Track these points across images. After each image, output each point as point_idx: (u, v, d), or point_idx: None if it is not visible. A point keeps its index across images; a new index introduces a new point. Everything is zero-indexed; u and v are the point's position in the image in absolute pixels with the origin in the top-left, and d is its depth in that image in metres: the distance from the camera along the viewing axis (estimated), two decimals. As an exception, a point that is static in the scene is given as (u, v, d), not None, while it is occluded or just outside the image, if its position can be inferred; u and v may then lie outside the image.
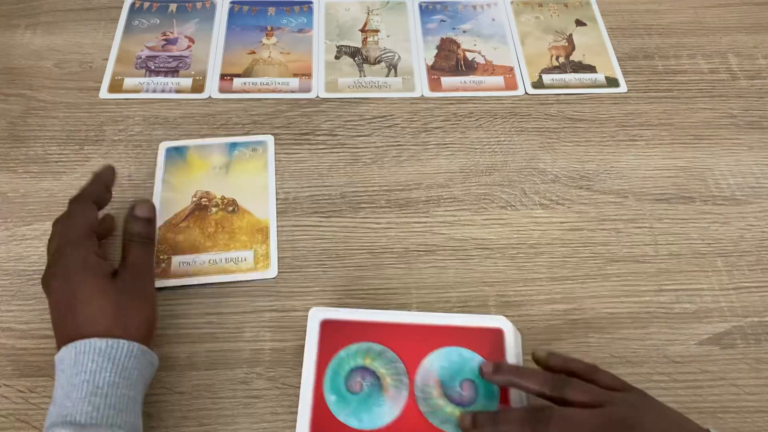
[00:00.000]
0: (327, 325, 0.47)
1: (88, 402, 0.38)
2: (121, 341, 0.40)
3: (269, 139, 0.61)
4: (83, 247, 0.44)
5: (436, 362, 0.46)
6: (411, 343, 0.46)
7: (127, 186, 0.57)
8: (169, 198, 0.56)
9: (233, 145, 0.60)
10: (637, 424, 0.39)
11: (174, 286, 0.52)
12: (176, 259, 0.53)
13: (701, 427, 0.40)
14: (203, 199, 0.56)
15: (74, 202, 0.48)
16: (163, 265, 0.52)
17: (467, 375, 0.45)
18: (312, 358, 0.46)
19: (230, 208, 0.55)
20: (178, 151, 0.59)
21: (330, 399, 0.44)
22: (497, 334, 0.47)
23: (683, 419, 0.40)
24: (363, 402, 0.44)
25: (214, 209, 0.55)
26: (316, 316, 0.47)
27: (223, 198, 0.56)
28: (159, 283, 0.51)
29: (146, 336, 0.43)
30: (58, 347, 0.41)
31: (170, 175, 0.58)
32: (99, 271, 0.43)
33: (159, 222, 0.54)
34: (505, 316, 0.47)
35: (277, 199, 0.57)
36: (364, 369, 0.46)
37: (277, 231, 0.55)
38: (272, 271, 0.53)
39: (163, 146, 0.60)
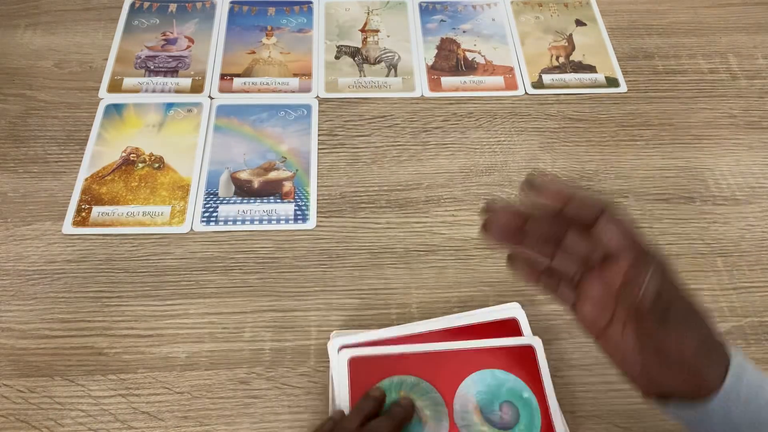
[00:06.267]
0: (356, 363, 0.45)
1: None
2: None
3: (205, 101, 0.63)
4: None
5: (472, 387, 0.45)
6: (444, 371, 0.45)
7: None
8: (100, 151, 0.60)
9: (169, 105, 0.63)
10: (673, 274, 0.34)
11: (91, 234, 0.54)
12: (97, 210, 0.56)
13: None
14: (132, 155, 0.59)
15: (384, 420, 0.43)
16: (83, 214, 0.55)
17: (505, 397, 0.44)
18: (344, 398, 0.44)
19: (156, 165, 0.58)
20: (117, 108, 0.62)
21: None
22: (529, 351, 0.46)
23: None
24: None
25: (140, 165, 0.58)
26: (341, 351, 0.45)
27: (151, 155, 0.59)
28: (77, 231, 0.54)
29: None
30: None
31: (105, 130, 0.61)
32: None
33: (86, 174, 0.58)
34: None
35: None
36: None
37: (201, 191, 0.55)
38: (186, 227, 0.55)
39: (103, 103, 0.63)
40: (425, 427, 0.43)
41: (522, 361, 0.46)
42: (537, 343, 0.46)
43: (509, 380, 0.45)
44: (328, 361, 0.46)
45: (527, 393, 0.44)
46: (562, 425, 0.43)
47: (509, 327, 0.47)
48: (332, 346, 0.46)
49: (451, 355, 0.45)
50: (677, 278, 0.35)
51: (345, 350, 0.45)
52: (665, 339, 0.33)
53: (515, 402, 0.44)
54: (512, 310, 0.48)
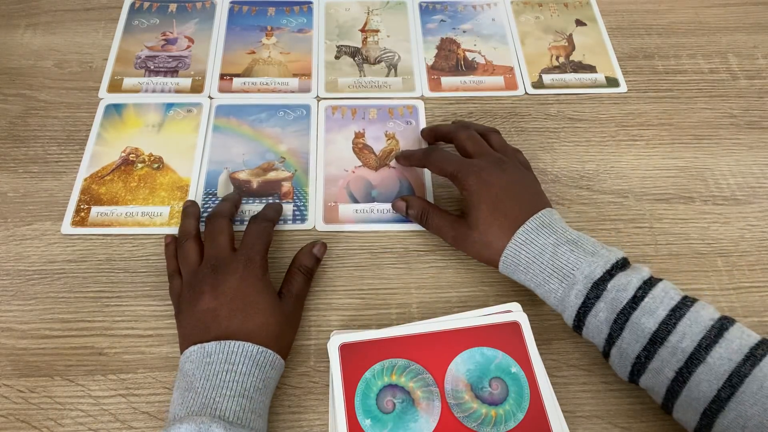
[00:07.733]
0: (346, 349, 0.46)
1: (236, 402, 0.41)
2: (269, 351, 0.44)
3: (204, 101, 0.63)
4: (266, 264, 0.48)
5: (461, 366, 0.45)
6: (433, 352, 0.46)
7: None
8: (100, 151, 0.60)
9: (169, 105, 0.63)
10: (500, 167, 0.50)
11: (91, 234, 0.54)
12: (95, 210, 0.56)
13: (545, 199, 0.50)
14: (131, 155, 0.59)
15: (263, 221, 0.51)
16: (82, 213, 0.55)
17: (494, 373, 0.45)
18: (339, 385, 0.45)
19: (155, 165, 0.58)
20: (117, 108, 0.62)
21: (365, 423, 0.43)
22: (515, 327, 0.47)
23: (537, 185, 0.51)
24: (398, 420, 0.43)
25: (140, 165, 0.58)
26: (332, 339, 0.46)
27: (150, 155, 0.59)
28: (75, 231, 0.54)
29: (286, 355, 0.47)
30: (206, 339, 0.43)
31: (104, 130, 0.61)
32: (274, 291, 0.47)
33: (85, 174, 0.58)
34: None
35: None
36: (393, 386, 0.45)
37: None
38: None
39: (103, 103, 0.63)
40: (419, 408, 0.44)
41: (509, 337, 0.47)
42: (523, 319, 0.47)
43: (497, 356, 0.46)
44: (328, 361, 0.46)
45: (515, 368, 0.45)
46: (551, 396, 0.44)
47: (510, 328, 0.47)
48: (332, 345, 0.46)
49: (440, 336, 0.47)
50: (514, 169, 0.50)
51: (336, 337, 0.46)
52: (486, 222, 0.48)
53: (504, 377, 0.45)
54: (513, 314, 0.48)
